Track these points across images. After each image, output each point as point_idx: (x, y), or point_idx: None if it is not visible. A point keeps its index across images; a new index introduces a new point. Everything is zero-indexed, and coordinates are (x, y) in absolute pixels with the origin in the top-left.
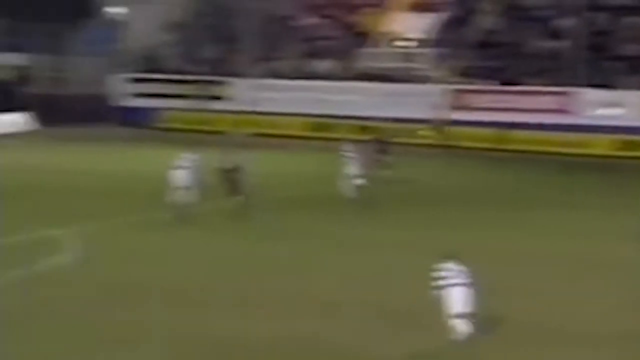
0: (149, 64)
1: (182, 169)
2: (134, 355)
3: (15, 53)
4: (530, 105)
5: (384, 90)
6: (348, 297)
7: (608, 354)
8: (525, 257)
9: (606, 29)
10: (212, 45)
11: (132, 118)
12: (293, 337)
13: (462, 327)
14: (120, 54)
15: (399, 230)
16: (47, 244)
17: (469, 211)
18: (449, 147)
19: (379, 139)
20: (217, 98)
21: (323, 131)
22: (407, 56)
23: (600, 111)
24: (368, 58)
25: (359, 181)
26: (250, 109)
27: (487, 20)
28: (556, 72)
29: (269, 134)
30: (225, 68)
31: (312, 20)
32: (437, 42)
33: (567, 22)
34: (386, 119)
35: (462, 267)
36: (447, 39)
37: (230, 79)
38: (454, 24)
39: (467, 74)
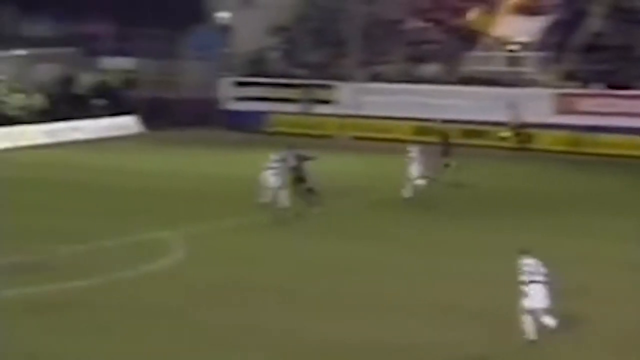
0: (255, 68)
1: (272, 170)
2: (242, 356)
3: (124, 57)
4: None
5: (489, 94)
6: (440, 300)
7: None
8: (607, 262)
9: None
10: (317, 49)
11: (237, 122)
12: (387, 341)
13: (539, 324)
14: (227, 58)
15: (475, 233)
16: (154, 245)
17: (552, 216)
18: (527, 149)
19: (443, 141)
20: (322, 102)
21: (427, 135)
22: (514, 60)
23: None
24: (474, 62)
25: (421, 182)
26: (354, 112)
27: (594, 23)
28: None
29: (373, 137)
30: (330, 72)
31: (417, 23)
32: (543, 46)
33: None
34: (492, 123)
35: (540, 264)
36: (554, 42)
37: (335, 83)
38: (561, 27)
39: (574, 77)
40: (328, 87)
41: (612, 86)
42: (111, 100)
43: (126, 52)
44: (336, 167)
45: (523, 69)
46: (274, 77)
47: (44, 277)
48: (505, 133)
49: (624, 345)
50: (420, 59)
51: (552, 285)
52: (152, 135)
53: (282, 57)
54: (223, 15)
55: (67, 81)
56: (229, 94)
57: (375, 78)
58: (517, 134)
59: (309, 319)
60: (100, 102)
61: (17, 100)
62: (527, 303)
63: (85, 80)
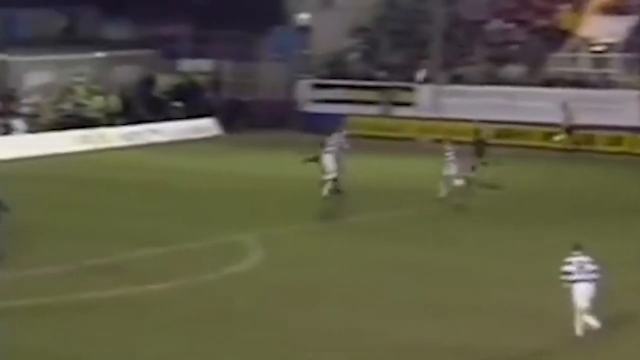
0: (334, 70)
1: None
2: (315, 356)
3: (202, 59)
4: None
5: (573, 96)
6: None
7: None
8: None
9: None
10: (397, 51)
11: (315, 124)
12: (455, 344)
13: (589, 322)
14: (305, 59)
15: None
16: (233, 247)
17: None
18: (580, 151)
19: (478, 141)
20: (402, 104)
21: (508, 138)
22: (598, 61)
23: None
24: (558, 63)
25: (459, 182)
26: (435, 115)
27: None
28: None
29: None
30: (410, 74)
31: (500, 24)
32: (629, 46)
33: None
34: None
35: (592, 261)
36: (639, 43)
37: (415, 85)
38: None
39: None
40: (408, 89)
41: None
42: (189, 102)
43: (204, 54)
44: (416, 170)
45: (608, 70)
46: (353, 79)
47: (124, 279)
48: (559, 136)
49: None
50: (503, 60)
51: (602, 284)
52: (230, 138)
53: (362, 59)
54: (302, 17)
55: (146, 83)
56: (307, 96)
57: (457, 80)
58: (570, 135)
59: (383, 321)
60: (178, 104)
61: (96, 102)
62: (576, 302)
63: (164, 82)
